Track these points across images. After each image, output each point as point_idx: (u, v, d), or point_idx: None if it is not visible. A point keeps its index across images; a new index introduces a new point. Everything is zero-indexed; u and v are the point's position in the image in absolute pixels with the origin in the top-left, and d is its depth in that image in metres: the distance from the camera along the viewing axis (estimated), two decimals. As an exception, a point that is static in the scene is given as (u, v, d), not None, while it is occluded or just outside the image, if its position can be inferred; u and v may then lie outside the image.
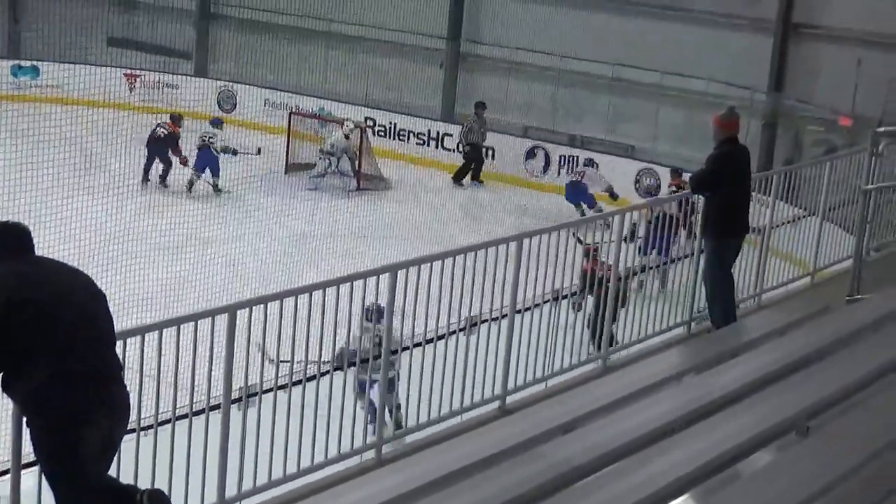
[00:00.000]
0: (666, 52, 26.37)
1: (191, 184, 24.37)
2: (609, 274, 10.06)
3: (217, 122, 25.62)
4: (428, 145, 28.99)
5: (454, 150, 28.38)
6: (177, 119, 25.38)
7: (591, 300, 11.13)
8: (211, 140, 24.65)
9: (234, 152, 24.70)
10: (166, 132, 24.76)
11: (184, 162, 24.32)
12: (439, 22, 30.03)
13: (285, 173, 26.70)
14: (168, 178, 24.54)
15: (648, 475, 7.17)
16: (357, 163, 26.52)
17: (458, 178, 27.18)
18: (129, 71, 30.95)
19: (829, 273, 12.43)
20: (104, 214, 19.21)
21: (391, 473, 7.49)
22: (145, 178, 24.33)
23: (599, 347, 10.13)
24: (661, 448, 7.67)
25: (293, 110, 28.64)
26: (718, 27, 26.24)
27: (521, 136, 28.38)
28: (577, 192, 24.64)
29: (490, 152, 27.96)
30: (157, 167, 24.49)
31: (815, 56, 25.48)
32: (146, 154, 24.45)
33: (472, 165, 27.26)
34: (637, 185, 26.01)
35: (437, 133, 28.97)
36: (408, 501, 6.97)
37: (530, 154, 27.77)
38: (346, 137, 26.23)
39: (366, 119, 28.56)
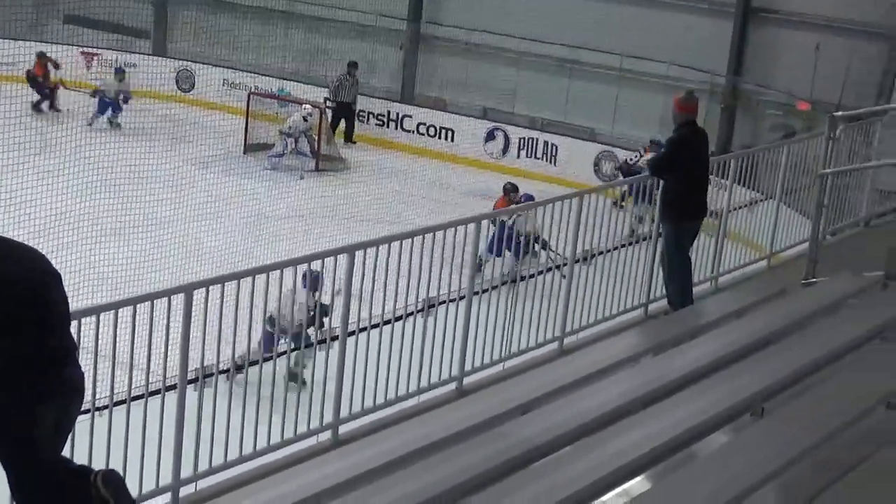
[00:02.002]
0: (626, 35, 26.44)
1: (91, 122, 27.21)
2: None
3: (119, 71, 28.39)
4: (387, 126, 28.94)
5: (413, 132, 28.38)
6: (41, 55, 28.08)
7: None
8: (104, 88, 27.88)
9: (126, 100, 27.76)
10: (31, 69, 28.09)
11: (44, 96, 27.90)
12: (399, 4, 29.96)
13: (244, 153, 26.59)
14: (42, 105, 27.86)
15: (605, 456, 7.18)
16: (316, 143, 26.44)
17: (348, 137, 28.21)
18: (85, 49, 30.67)
19: (785, 256, 12.51)
20: (58, 195, 19.05)
21: (348, 454, 7.47)
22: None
23: None
24: (617, 429, 7.69)
25: (252, 90, 28.51)
26: (679, 11, 26.35)
27: (481, 117, 28.38)
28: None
29: (450, 134, 27.95)
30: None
31: (774, 40, 25.61)
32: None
33: (337, 123, 28.04)
34: (596, 169, 26.07)
35: (397, 114, 28.93)
36: (364, 482, 6.95)
37: (490, 136, 27.79)
38: (305, 120, 26.15)
39: (325, 100, 28.46)
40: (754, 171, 12.30)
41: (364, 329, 8.30)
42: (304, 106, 26.60)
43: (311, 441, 7.94)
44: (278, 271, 7.57)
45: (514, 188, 20.74)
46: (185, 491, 7.10)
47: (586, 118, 27.68)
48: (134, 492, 6.32)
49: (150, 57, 31.14)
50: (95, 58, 30.82)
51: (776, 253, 12.40)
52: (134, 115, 26.70)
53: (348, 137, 27.87)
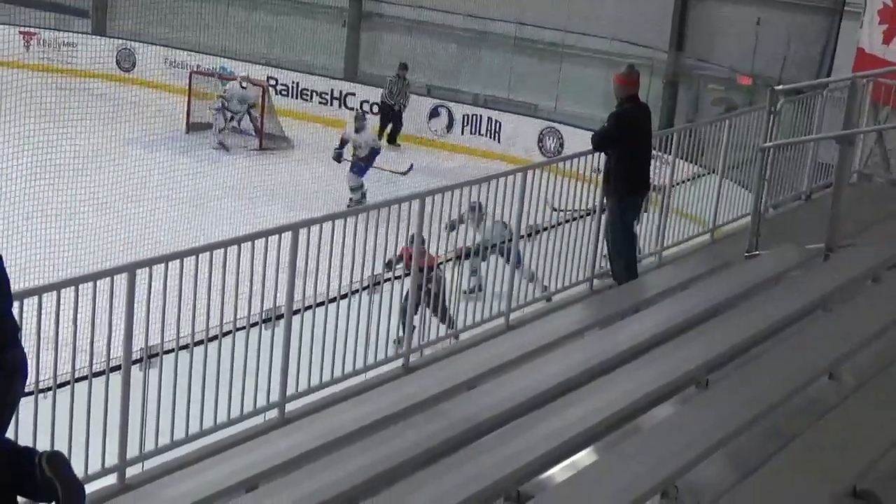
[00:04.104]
0: (568, 10, 26.46)
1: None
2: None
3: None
4: (331, 104, 28.83)
5: (357, 109, 28.30)
6: None
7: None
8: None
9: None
10: None
11: None
12: (342, -20, 29.86)
13: (186, 133, 26.43)
14: None
15: (552, 430, 7.21)
16: (259, 122, 26.33)
17: (391, 139, 27.14)
18: (25, 29, 30.30)
19: (728, 230, 12.60)
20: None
21: (294, 432, 7.47)
22: None
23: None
24: (564, 403, 7.72)
25: (194, 69, 28.31)
26: (620, -14, 26.40)
27: (425, 95, 28.33)
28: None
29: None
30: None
31: (715, 15, 25.72)
32: None
33: (385, 126, 27.21)
34: (540, 145, 26.11)
35: (340, 92, 28.83)
36: (311, 459, 6.95)
37: (434, 113, 27.76)
38: (242, 87, 26.08)
39: (268, 78, 28.33)
40: (697, 146, 12.37)
41: (309, 307, 8.27)
42: (239, 75, 26.53)
43: (258, 420, 7.93)
44: (221, 250, 7.54)
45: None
46: (131, 472, 7.06)
47: (530, 94, 27.71)
48: (80, 473, 6.28)
49: (90, 36, 30.81)
50: (35, 37, 30.47)
51: (719, 226, 12.48)
52: (74, 94, 26.41)
53: (392, 140, 27.10)
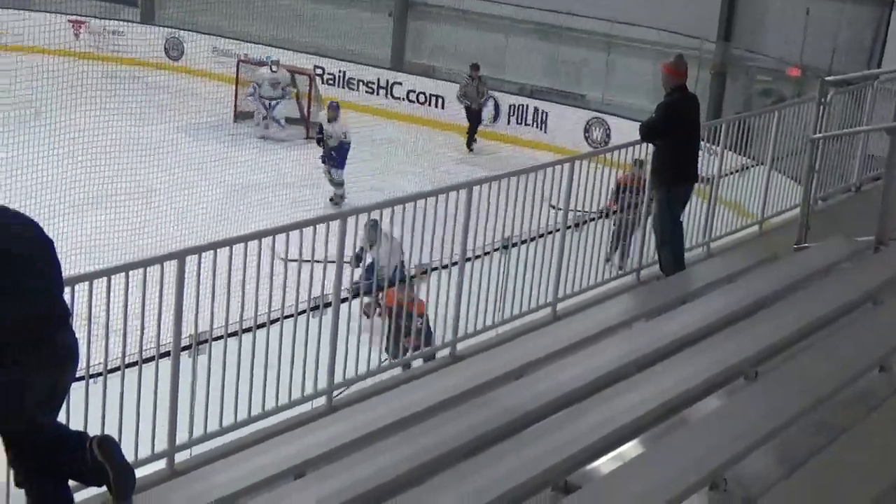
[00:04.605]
0: (616, 1, 26.33)
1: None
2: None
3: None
4: (377, 94, 28.85)
5: (403, 99, 28.33)
6: None
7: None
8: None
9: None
10: None
11: None
12: (389, -31, 29.88)
13: (234, 121, 26.55)
14: None
15: (599, 420, 7.19)
16: (306, 110, 26.41)
17: (468, 143, 26.59)
18: (74, 17, 30.51)
19: (777, 222, 12.51)
20: (51, 164, 19.00)
21: (342, 420, 7.47)
22: None
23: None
24: (611, 394, 7.70)
25: (241, 58, 28.40)
26: (668, -23, 26.25)
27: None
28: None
29: (440, 101, 27.88)
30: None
31: (764, 5, 25.53)
32: None
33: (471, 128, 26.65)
34: (587, 135, 26.03)
35: (387, 82, 28.85)
36: (359, 448, 6.96)
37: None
38: (272, 70, 26.16)
39: (315, 67, 28.38)
40: (745, 137, 12.30)
41: (357, 295, 8.29)
42: (270, 59, 26.59)
43: (306, 407, 7.96)
44: (270, 238, 7.56)
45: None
46: (180, 457, 7.10)
47: (576, 84, 27.63)
48: (129, 457, 6.32)
49: (139, 24, 30.99)
50: (84, 26, 30.67)
51: (768, 218, 12.40)
52: (122, 83, 26.57)
53: (468, 143, 26.53)
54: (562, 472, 6.58)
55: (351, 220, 8.04)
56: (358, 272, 10.64)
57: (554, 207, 9.97)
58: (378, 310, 9.86)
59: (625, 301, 10.24)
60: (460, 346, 9.03)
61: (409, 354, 9.16)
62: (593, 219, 10.94)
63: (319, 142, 22.77)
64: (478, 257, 9.42)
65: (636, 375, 8.10)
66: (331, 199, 22.01)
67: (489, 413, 7.38)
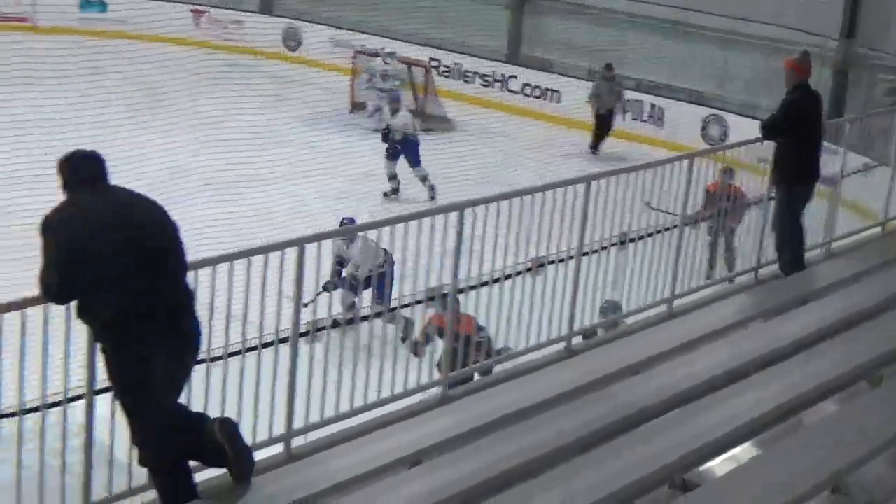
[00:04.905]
0: (736, -4, 26.04)
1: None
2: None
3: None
4: (493, 87, 28.84)
5: (518, 92, 28.29)
6: None
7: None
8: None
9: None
10: None
11: None
12: (505, -38, 29.83)
13: (350, 112, 26.73)
14: None
15: (713, 421, 7.16)
16: (422, 102, 26.52)
17: (594, 146, 25.60)
18: (195, 6, 30.94)
19: (900, 223, 12.28)
20: (169, 151, 19.32)
21: (456, 411, 7.50)
22: None
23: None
24: (726, 394, 7.65)
25: (357, 49, 28.57)
26: (790, -28, 25.87)
27: (586, 79, 28.15)
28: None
29: (555, 95, 27.80)
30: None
31: (891, 2, 25.02)
32: None
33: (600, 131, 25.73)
34: (704, 133, 25.75)
35: (503, 75, 28.81)
36: (472, 440, 6.98)
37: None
38: (385, 63, 26.22)
39: (430, 59, 28.46)
40: (868, 137, 12.08)
41: (474, 287, 8.29)
42: (382, 51, 26.67)
43: (419, 397, 7.99)
44: (388, 228, 7.60)
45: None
46: (296, 442, 7.17)
47: (694, 81, 27.33)
48: (248, 440, 6.41)
49: (257, 14, 31.34)
50: (204, 15, 31.09)
51: (890, 219, 12.16)
52: (240, 71, 26.89)
53: (594, 146, 25.52)
54: (678, 469, 6.53)
55: (468, 212, 8.04)
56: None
57: (649, 205, 9.84)
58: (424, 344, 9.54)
59: (742, 300, 10.12)
60: (575, 341, 8.99)
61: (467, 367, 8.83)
62: (710, 216, 10.84)
63: (385, 137, 21.99)
64: (594, 252, 9.37)
65: (753, 376, 8.01)
66: (431, 198, 21.25)
67: (604, 409, 7.37)
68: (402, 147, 21.56)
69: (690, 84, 27.26)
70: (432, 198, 21.04)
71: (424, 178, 21.44)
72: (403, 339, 8.58)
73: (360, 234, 11.48)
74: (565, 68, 28.47)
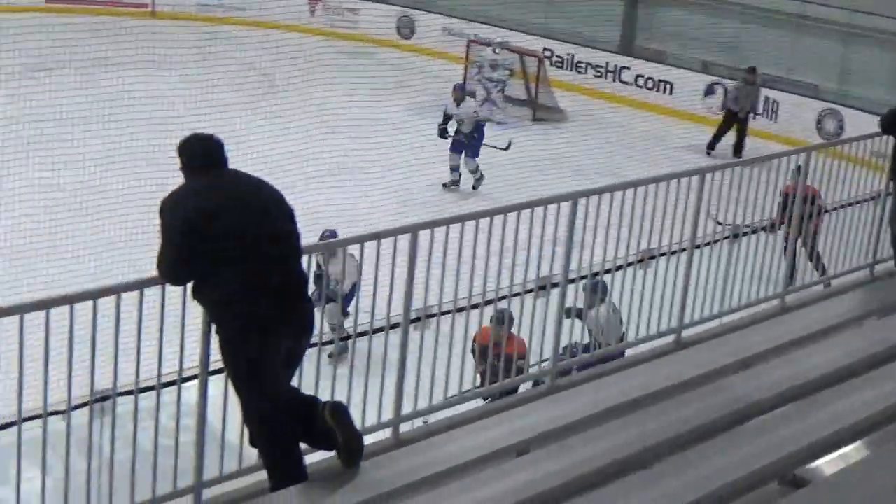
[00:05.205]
0: (857, -11, 25.60)
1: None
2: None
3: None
4: (605, 78, 28.69)
5: (631, 84, 28.12)
6: None
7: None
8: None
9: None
10: None
11: None
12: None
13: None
14: None
15: (824, 418, 7.06)
16: (533, 92, 26.47)
17: (736, 150, 24.45)
18: (310, -6, 31.23)
19: None
20: (285, 137, 19.52)
21: (564, 401, 7.49)
22: None
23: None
24: (838, 392, 7.54)
25: (471, 38, 28.59)
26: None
27: (700, 71, 27.91)
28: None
29: (669, 87, 27.59)
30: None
31: None
32: None
33: (723, 134, 24.82)
34: (819, 127, 25.38)
35: (615, 66, 28.65)
36: (580, 430, 6.97)
37: (709, 90, 27.28)
38: (495, 53, 26.17)
39: (543, 49, 28.41)
40: None
41: (584, 277, 8.28)
42: (493, 41, 26.61)
43: (527, 385, 8.01)
44: (501, 216, 7.61)
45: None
46: (405, 428, 7.23)
47: (810, 74, 26.94)
48: (357, 425, 6.47)
49: (373, 3, 31.50)
50: (320, 3, 31.34)
51: None
52: (354, 59, 27.08)
53: (737, 150, 24.35)
54: (788, 466, 6.46)
55: (582, 202, 8.02)
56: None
57: (714, 220, 9.60)
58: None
59: (857, 297, 9.96)
60: (685, 333, 8.93)
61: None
62: (826, 211, 10.65)
63: (444, 133, 21.47)
64: (707, 244, 9.30)
65: (865, 375, 7.89)
66: (473, 187, 21.17)
67: (714, 402, 7.30)
68: (476, 135, 21.38)
69: (807, 77, 26.87)
70: (475, 188, 21.02)
71: (476, 170, 21.27)
72: (330, 355, 8.65)
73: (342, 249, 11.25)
74: (679, 60, 28.23)
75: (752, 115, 24.89)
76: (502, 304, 7.77)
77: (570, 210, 7.91)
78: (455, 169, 21.30)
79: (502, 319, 9.03)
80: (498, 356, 8.26)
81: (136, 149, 17.60)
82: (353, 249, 7.14)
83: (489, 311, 7.68)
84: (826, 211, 10.47)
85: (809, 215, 10.25)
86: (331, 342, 8.90)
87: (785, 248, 10.45)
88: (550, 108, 26.75)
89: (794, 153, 9.92)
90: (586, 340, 9.37)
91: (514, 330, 8.83)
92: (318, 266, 10.51)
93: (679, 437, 6.82)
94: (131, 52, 21.45)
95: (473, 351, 8.98)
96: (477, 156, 21.29)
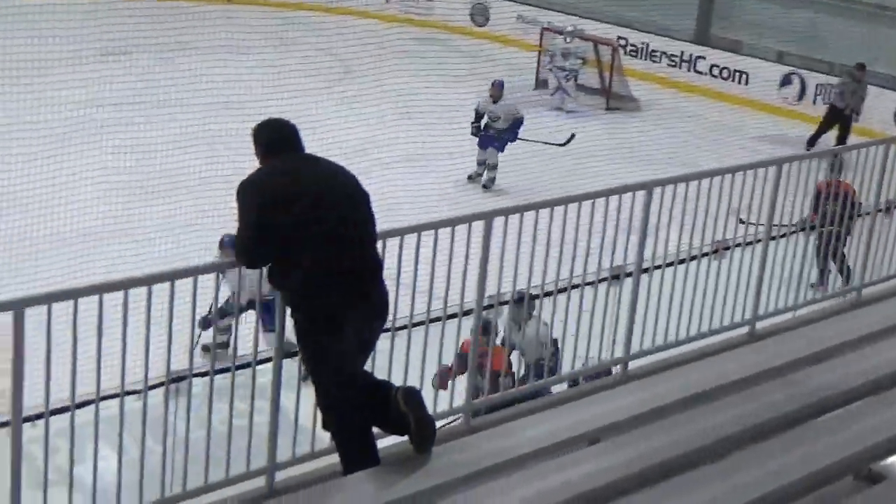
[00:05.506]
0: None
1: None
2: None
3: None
4: (680, 67, 28.49)
5: (706, 74, 27.89)
6: None
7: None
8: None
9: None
10: None
11: None
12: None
13: (534, 89, 26.72)
14: None
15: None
16: (607, 81, 26.37)
17: (811, 142, 23.71)
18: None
19: None
20: (360, 123, 19.61)
21: (637, 390, 7.46)
22: None
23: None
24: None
25: (545, 26, 28.50)
26: None
27: (776, 61, 27.63)
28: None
29: (744, 77, 27.34)
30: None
31: None
32: None
33: (825, 131, 24.08)
34: (897, 119, 25.06)
35: (691, 56, 28.43)
36: (652, 420, 6.93)
37: (785, 81, 27.01)
38: (566, 41, 26.03)
39: (618, 38, 28.26)
40: None
41: (658, 266, 8.24)
42: (566, 28, 26.49)
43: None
44: (576, 204, 7.59)
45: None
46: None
47: (890, 66, 26.56)
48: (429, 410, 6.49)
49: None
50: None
51: None
52: (428, 46, 27.10)
53: (812, 140, 23.69)
54: (864, 461, 6.40)
55: (657, 191, 7.99)
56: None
57: (743, 222, 9.44)
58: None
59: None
60: (759, 325, 8.86)
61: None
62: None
63: (478, 131, 21.08)
64: (783, 236, 9.23)
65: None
66: (484, 186, 20.85)
67: (787, 395, 7.22)
68: (509, 132, 21.01)
69: (886, 69, 26.50)
70: (486, 186, 20.71)
71: (494, 167, 20.93)
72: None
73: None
74: (754, 50, 27.96)
75: (855, 115, 24.07)
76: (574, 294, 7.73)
77: (644, 199, 7.88)
78: (482, 163, 21.13)
79: (488, 329, 8.53)
80: (482, 366, 7.95)
81: (213, 132, 17.74)
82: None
83: (561, 299, 7.63)
84: (859, 214, 10.17)
85: (841, 215, 10.00)
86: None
87: (818, 248, 10.27)
88: (624, 97, 26.64)
89: (872, 144, 9.79)
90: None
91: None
92: None
93: (752, 429, 6.76)
94: (207, 36, 21.62)
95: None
96: (502, 151, 20.94)
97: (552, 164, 20.85)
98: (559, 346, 9.12)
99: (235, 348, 6.59)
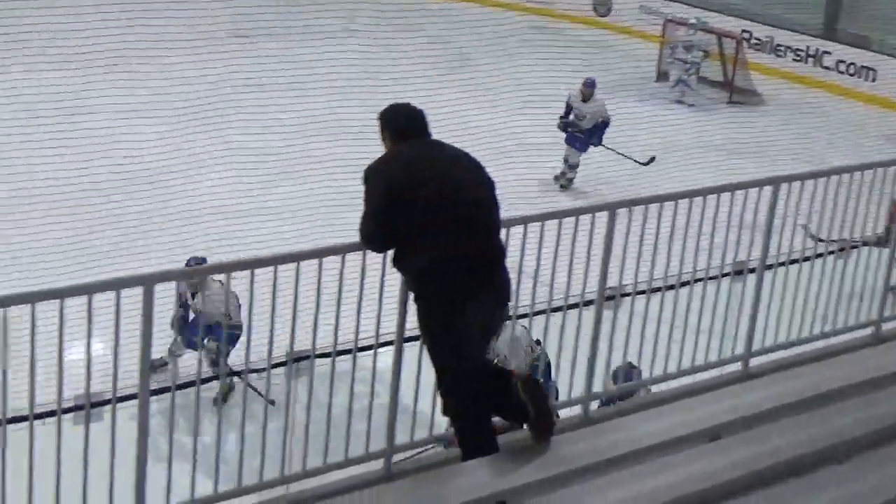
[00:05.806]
0: None
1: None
2: None
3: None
4: (805, 62, 28.03)
5: (832, 69, 27.41)
6: None
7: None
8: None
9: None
10: None
11: None
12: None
13: (655, 81, 26.52)
14: None
15: None
16: (731, 74, 26.07)
17: None
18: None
19: None
20: (481, 112, 19.57)
21: (758, 387, 7.37)
22: None
23: None
24: None
25: (668, 17, 28.25)
26: None
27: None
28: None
29: (871, 74, 26.82)
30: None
31: None
32: None
33: None
34: None
35: (816, 50, 27.94)
36: (773, 418, 6.85)
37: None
38: (689, 34, 25.86)
39: (742, 31, 27.90)
40: None
41: (783, 264, 8.12)
42: (689, 20, 26.20)
43: (719, 371, 7.89)
44: (686, 200, 7.51)
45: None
46: (595, 405, 7.22)
47: None
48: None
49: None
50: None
51: None
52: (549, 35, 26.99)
53: None
54: None
55: (784, 188, 7.87)
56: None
57: (812, 236, 9.15)
58: None
59: None
60: (885, 326, 8.68)
61: None
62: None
63: (566, 126, 20.63)
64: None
65: None
66: (561, 186, 20.44)
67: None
68: (591, 133, 20.54)
69: None
70: (563, 186, 20.37)
71: (575, 167, 20.55)
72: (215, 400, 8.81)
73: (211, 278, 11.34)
74: (883, 46, 27.39)
75: None
76: (695, 288, 7.65)
77: (770, 195, 7.78)
78: (566, 161, 20.77)
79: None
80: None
81: (341, 116, 17.89)
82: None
83: (684, 292, 7.56)
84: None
85: None
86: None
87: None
88: (747, 91, 26.31)
89: None
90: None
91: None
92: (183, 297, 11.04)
93: (874, 433, 6.66)
94: (330, 21, 21.79)
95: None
96: (584, 151, 20.51)
97: (673, 157, 20.69)
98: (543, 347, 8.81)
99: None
